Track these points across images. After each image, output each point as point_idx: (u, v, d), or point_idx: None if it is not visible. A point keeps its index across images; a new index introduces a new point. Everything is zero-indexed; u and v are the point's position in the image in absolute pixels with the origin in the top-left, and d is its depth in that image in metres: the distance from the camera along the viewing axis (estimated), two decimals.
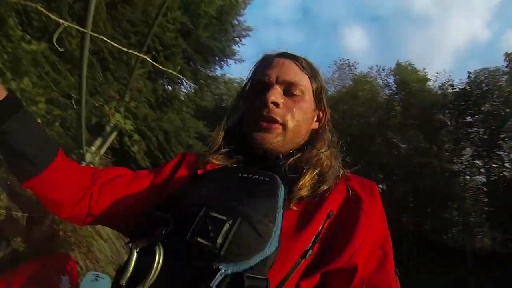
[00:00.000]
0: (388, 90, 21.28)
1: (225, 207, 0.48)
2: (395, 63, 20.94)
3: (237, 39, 9.72)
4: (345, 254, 0.56)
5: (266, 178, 0.57)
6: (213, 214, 0.46)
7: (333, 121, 0.78)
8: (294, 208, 0.60)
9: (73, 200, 0.66)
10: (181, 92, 9.53)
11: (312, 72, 0.73)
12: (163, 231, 0.46)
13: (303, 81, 0.70)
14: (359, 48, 73.25)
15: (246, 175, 0.59)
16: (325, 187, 0.63)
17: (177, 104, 8.48)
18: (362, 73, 21.65)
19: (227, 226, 0.44)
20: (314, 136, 0.74)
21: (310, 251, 0.55)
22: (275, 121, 0.67)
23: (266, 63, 0.73)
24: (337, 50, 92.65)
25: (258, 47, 7.29)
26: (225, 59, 9.85)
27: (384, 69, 21.20)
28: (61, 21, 1.18)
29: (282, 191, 0.54)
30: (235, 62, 10.05)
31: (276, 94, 0.67)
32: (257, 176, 0.58)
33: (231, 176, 0.62)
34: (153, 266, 0.43)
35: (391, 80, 21.13)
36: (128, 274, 0.45)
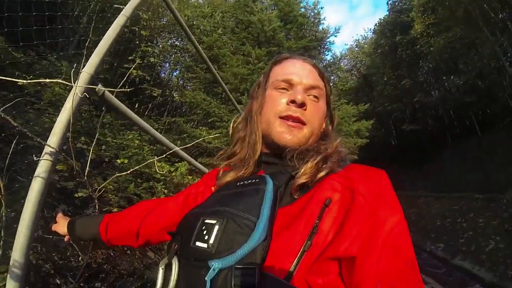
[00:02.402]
0: None
1: (216, 212, 0.56)
2: None
3: None
4: (341, 243, 0.53)
5: (256, 180, 0.62)
6: (207, 220, 0.55)
7: None
8: (296, 196, 0.62)
9: (132, 242, 0.94)
10: None
11: (326, 78, 0.79)
12: (175, 246, 0.57)
13: (321, 85, 0.76)
14: None
15: (242, 183, 0.64)
16: (323, 173, 0.63)
17: None
18: None
19: (216, 227, 0.52)
20: (323, 137, 0.77)
21: (309, 242, 0.54)
22: (302, 122, 0.70)
23: (289, 64, 0.77)
24: None
25: None
26: None
27: None
28: None
29: (269, 186, 0.59)
30: None
31: (304, 95, 0.71)
32: (250, 181, 0.63)
33: (231, 186, 0.67)
34: (171, 278, 0.53)
35: None
36: None
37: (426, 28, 16.91)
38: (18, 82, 0.98)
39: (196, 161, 2.36)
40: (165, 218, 0.88)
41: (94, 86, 1.11)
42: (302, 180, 0.62)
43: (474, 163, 12.68)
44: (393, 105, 19.75)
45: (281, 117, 0.70)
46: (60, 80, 0.96)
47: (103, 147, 3.76)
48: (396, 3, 20.55)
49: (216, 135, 5.80)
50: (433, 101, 17.05)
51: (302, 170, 0.63)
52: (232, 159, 0.77)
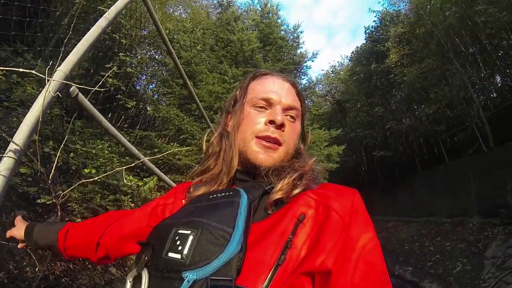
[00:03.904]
0: None
1: (190, 222, 0.54)
2: None
3: None
4: (316, 256, 0.53)
5: (230, 193, 0.62)
6: (180, 231, 0.52)
7: None
8: (269, 211, 0.62)
9: (91, 253, 0.89)
10: None
11: (303, 97, 0.79)
12: (146, 257, 0.53)
13: (298, 106, 0.76)
14: None
15: (215, 195, 0.63)
16: (298, 190, 0.63)
17: None
18: None
19: (191, 238, 0.50)
20: (297, 154, 0.77)
21: (283, 256, 0.53)
22: (278, 143, 0.70)
23: (268, 81, 0.76)
24: None
25: None
26: None
27: None
28: None
29: (243, 198, 0.58)
30: None
31: (283, 116, 0.70)
32: (223, 193, 0.62)
33: (204, 198, 0.65)
34: None
35: None
36: None
37: (400, 58, 17.78)
38: None
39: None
40: (130, 227, 0.84)
41: (68, 82, 1.08)
42: (277, 196, 0.62)
43: (442, 189, 13.21)
44: (365, 131, 20.42)
45: (258, 137, 0.70)
46: (34, 72, 0.92)
47: (71, 154, 3.60)
48: (374, 33, 21.55)
49: (187, 148, 5.73)
50: (404, 128, 17.79)
51: (279, 186, 0.63)
52: (206, 174, 0.76)
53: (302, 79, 18.71)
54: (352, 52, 25.29)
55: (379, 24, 21.19)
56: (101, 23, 1.29)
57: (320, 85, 29.11)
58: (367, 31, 22.38)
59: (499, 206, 9.60)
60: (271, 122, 0.69)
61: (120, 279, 3.07)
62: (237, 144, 0.72)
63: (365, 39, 23.02)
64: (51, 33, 5.10)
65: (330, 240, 0.54)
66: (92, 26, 1.29)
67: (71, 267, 2.57)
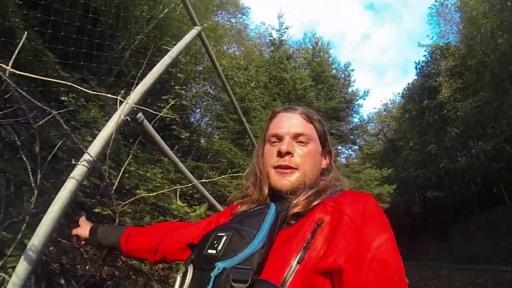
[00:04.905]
0: None
1: (226, 227, 0.71)
2: None
3: None
4: (328, 255, 0.61)
5: (262, 206, 0.76)
6: (218, 234, 0.69)
7: None
8: (292, 222, 0.73)
9: (150, 255, 1.05)
10: None
11: (314, 121, 0.90)
12: (192, 256, 0.71)
13: (308, 130, 0.87)
14: None
15: (251, 210, 0.78)
16: (317, 202, 0.74)
17: None
18: None
19: (224, 237, 0.66)
20: (323, 173, 0.89)
21: (302, 255, 0.62)
22: (290, 168, 0.82)
23: (279, 118, 0.90)
24: None
25: None
26: None
27: None
28: None
29: (271, 209, 0.72)
30: None
31: (288, 145, 0.83)
32: (258, 207, 0.77)
33: (243, 213, 0.81)
34: (185, 281, 0.65)
35: None
36: None
37: (453, 93, 16.94)
38: (82, 89, 1.19)
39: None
40: (186, 239, 0.97)
41: (139, 107, 1.31)
42: (295, 210, 0.73)
43: (502, 233, 11.96)
44: (418, 171, 19.38)
45: (274, 167, 0.83)
46: (112, 96, 1.15)
47: (126, 174, 3.94)
48: (425, 68, 20.82)
49: (237, 181, 5.85)
50: (459, 167, 16.58)
51: (294, 202, 0.75)
52: (245, 199, 0.90)
53: (354, 117, 18.46)
54: (404, 89, 24.41)
55: (429, 59, 20.42)
56: (166, 60, 1.55)
57: (372, 124, 27.97)
58: (417, 67, 21.65)
59: None
60: (279, 152, 0.83)
61: None
62: (264, 176, 0.87)
63: (416, 75, 22.24)
64: (113, 65, 5.78)
65: (341, 241, 0.62)
66: (151, 60, 1.53)
67: (116, 274, 2.79)
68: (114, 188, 1.67)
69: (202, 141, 9.09)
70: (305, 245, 0.64)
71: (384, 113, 29.27)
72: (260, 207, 0.76)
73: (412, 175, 19.59)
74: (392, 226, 0.66)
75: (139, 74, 1.33)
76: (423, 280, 11.21)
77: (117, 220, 1.49)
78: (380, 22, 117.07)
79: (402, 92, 24.93)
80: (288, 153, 0.82)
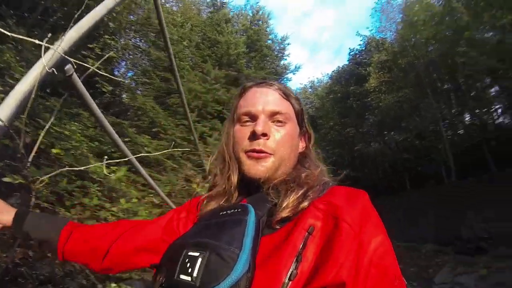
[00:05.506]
0: None
1: (199, 244, 0.55)
2: None
3: None
4: (329, 270, 0.51)
5: (238, 209, 0.62)
6: (190, 253, 0.54)
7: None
8: (277, 226, 0.61)
9: (97, 260, 0.83)
10: None
11: (291, 98, 0.77)
12: (160, 278, 0.57)
13: (286, 108, 0.74)
14: None
15: (224, 212, 0.64)
16: (306, 204, 0.62)
17: None
18: None
19: (199, 260, 0.51)
20: (302, 159, 0.77)
21: (294, 271, 0.52)
22: (265, 152, 0.69)
23: (251, 94, 0.76)
24: None
25: None
26: None
27: None
28: None
29: (251, 215, 0.59)
30: None
31: (264, 125, 0.70)
32: (233, 210, 0.63)
33: (214, 214, 0.66)
34: None
35: None
36: None
37: (379, 84, 18.46)
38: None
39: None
40: (144, 239, 0.82)
41: (68, 58, 0.99)
42: (284, 214, 0.61)
43: (402, 214, 13.72)
44: (335, 149, 20.99)
45: (246, 151, 0.71)
46: (34, 40, 0.84)
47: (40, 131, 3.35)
48: (357, 56, 22.24)
49: (161, 148, 5.56)
50: (372, 152, 18.58)
51: (284, 204, 0.62)
52: (213, 191, 0.77)
53: None
54: (333, 71, 25.89)
55: (364, 48, 21.84)
56: (109, 3, 1.22)
57: None
58: (351, 53, 23.02)
59: (454, 237, 10.25)
60: (253, 134, 0.70)
61: (80, 271, 2.88)
62: (234, 161, 0.74)
63: (348, 60, 23.68)
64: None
65: (341, 251, 0.53)
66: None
67: (30, 255, 2.37)
68: (33, 154, 1.31)
69: (124, 96, 8.41)
70: (296, 257, 0.54)
71: (310, 90, 30.89)
72: (236, 210, 0.62)
73: (328, 153, 21.13)
74: None
75: (75, 17, 1.00)
76: None
77: (33, 198, 1.17)
78: (324, 3, 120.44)
79: (331, 74, 26.46)
80: (264, 134, 0.69)
